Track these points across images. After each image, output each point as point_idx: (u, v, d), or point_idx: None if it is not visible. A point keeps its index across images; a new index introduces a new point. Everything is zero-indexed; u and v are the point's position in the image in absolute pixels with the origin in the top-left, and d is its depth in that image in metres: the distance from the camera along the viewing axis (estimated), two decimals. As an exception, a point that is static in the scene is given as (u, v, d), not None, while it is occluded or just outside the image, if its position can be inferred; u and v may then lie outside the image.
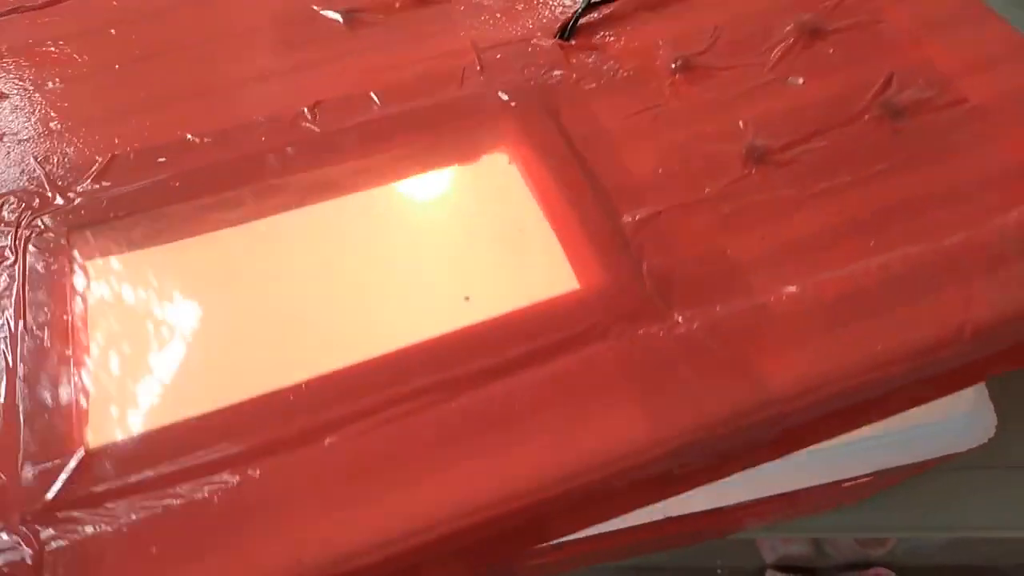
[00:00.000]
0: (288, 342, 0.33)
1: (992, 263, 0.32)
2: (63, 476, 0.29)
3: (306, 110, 0.39)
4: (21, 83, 0.42)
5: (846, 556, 0.52)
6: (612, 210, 0.35)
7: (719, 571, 0.53)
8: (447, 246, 0.35)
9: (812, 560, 0.53)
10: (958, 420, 0.40)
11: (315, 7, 0.44)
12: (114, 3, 0.46)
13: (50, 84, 0.42)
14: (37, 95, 0.42)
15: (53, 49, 0.44)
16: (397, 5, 0.44)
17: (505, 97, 0.39)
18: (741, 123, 0.37)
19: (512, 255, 0.35)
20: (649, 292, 0.32)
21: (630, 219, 0.34)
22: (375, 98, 0.40)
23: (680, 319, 0.31)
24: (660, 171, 0.36)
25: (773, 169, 0.35)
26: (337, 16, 0.43)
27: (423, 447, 0.29)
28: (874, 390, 0.30)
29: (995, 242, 0.32)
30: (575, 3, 0.43)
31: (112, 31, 0.44)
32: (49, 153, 0.39)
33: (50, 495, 0.28)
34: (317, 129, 0.39)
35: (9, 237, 0.36)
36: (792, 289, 0.32)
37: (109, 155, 0.38)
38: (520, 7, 0.44)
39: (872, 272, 0.32)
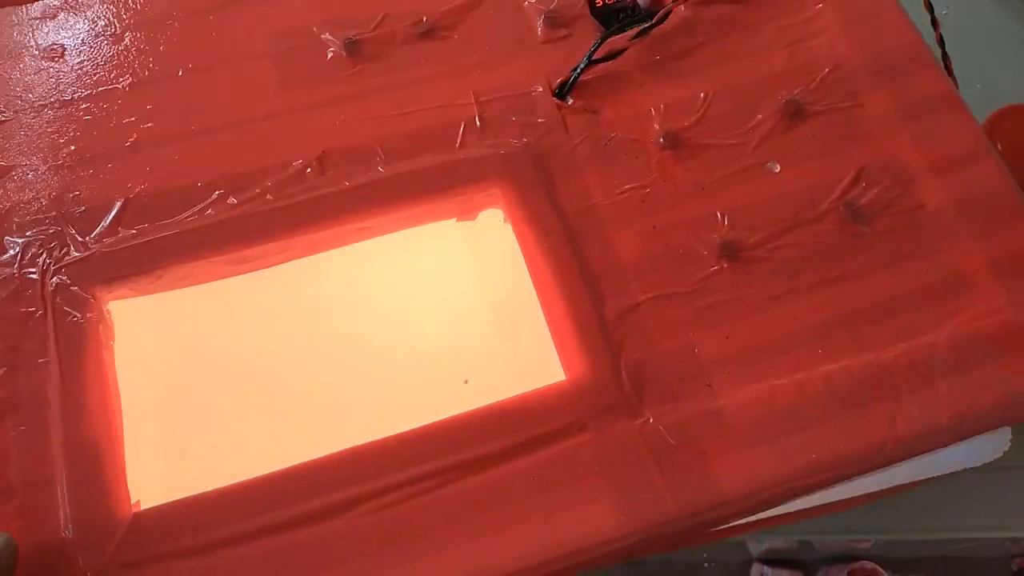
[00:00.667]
0: (300, 418, 0.37)
1: (919, 380, 0.37)
2: (107, 542, 0.34)
3: (313, 161, 0.41)
4: (22, 100, 0.43)
5: (831, 550, 0.57)
6: (598, 297, 0.39)
7: (705, 564, 0.59)
8: (449, 323, 0.39)
9: (798, 553, 0.58)
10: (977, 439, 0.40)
11: (315, 29, 0.45)
12: (104, 5, 0.45)
13: (52, 103, 0.43)
14: (41, 117, 0.42)
15: (52, 56, 0.44)
16: (399, 38, 0.45)
17: (503, 162, 0.41)
18: (719, 213, 0.41)
19: (507, 340, 0.39)
20: (626, 388, 0.37)
21: (613, 308, 0.38)
22: (379, 151, 0.42)
23: (650, 417, 0.36)
24: (643, 258, 0.40)
25: (743, 266, 0.39)
26: (339, 45, 0.44)
27: (420, 529, 0.34)
28: (804, 493, 0.36)
29: (925, 359, 0.37)
30: (571, 43, 0.45)
31: (106, 39, 0.44)
32: (63, 191, 0.40)
33: (93, 561, 0.33)
34: (323, 185, 0.41)
35: (36, 290, 0.38)
36: (747, 394, 0.37)
37: (123, 199, 0.40)
38: (517, 45, 0.45)
39: (816, 382, 0.37)
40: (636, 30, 0.44)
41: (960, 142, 0.42)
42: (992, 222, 0.40)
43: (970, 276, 0.39)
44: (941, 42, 0.48)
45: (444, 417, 0.36)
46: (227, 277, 0.40)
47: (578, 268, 0.39)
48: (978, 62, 0.48)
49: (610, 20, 0.47)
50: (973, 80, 0.45)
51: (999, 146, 0.71)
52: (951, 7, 0.46)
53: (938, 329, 0.38)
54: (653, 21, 0.43)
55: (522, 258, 0.40)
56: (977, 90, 0.45)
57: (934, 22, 0.48)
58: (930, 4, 0.48)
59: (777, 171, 0.42)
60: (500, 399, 0.36)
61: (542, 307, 0.39)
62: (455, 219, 0.43)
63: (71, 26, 0.44)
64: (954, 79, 0.46)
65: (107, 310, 0.39)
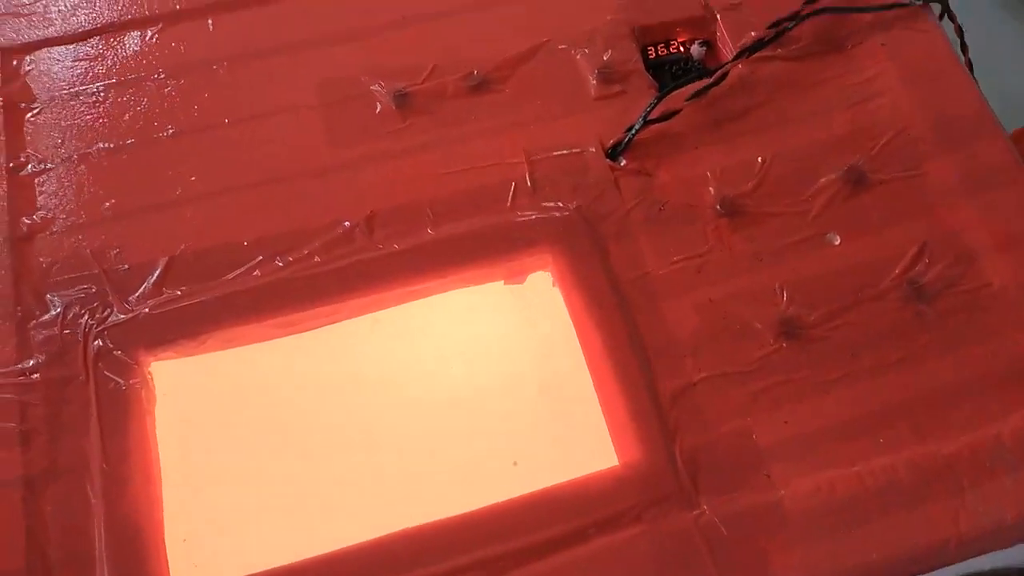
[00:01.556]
0: (343, 495, 0.36)
1: (984, 475, 0.36)
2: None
3: (362, 222, 0.40)
4: (64, 148, 0.42)
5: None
6: (652, 375, 0.38)
7: None
8: (498, 397, 0.38)
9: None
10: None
11: (364, 79, 0.43)
12: (148, 49, 0.44)
13: (93, 152, 0.41)
14: (83, 167, 0.41)
15: (92, 101, 0.43)
16: (449, 91, 0.43)
17: (554, 227, 0.40)
18: (777, 286, 0.39)
19: (557, 419, 0.38)
20: (681, 476, 0.36)
21: (668, 388, 0.37)
22: (429, 212, 0.41)
23: (706, 508, 0.35)
24: (699, 333, 0.38)
25: (802, 345, 0.38)
26: (388, 97, 0.43)
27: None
28: (863, 590, 0.35)
29: (990, 451, 0.36)
30: (624, 100, 0.43)
31: (148, 84, 0.43)
32: (104, 247, 0.40)
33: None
34: (372, 248, 0.40)
35: (78, 353, 0.37)
36: (806, 485, 0.36)
37: (167, 257, 0.39)
38: (570, 100, 0.43)
39: (877, 474, 0.36)
40: (692, 90, 0.42)
41: (1027, 217, 0.41)
42: (1061, 305, 0.39)
43: (1037, 363, 0.38)
44: (964, 48, 0.46)
45: (491, 503, 0.35)
46: (272, 339, 0.40)
47: (631, 343, 0.38)
48: (995, 77, 0.47)
49: (663, 74, 0.45)
50: (990, 96, 0.44)
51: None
52: (964, 23, 0.45)
53: (1004, 420, 0.37)
54: (710, 81, 0.42)
55: (573, 330, 0.39)
56: (995, 106, 0.44)
57: (959, 31, 0.47)
58: (951, 13, 0.46)
59: (837, 243, 0.40)
60: (551, 484, 0.35)
61: (594, 384, 0.38)
62: (503, 281, 0.42)
63: (115, 70, 0.43)
64: (956, 24, 0.45)
65: (149, 372, 0.38)
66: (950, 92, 0.43)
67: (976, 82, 0.44)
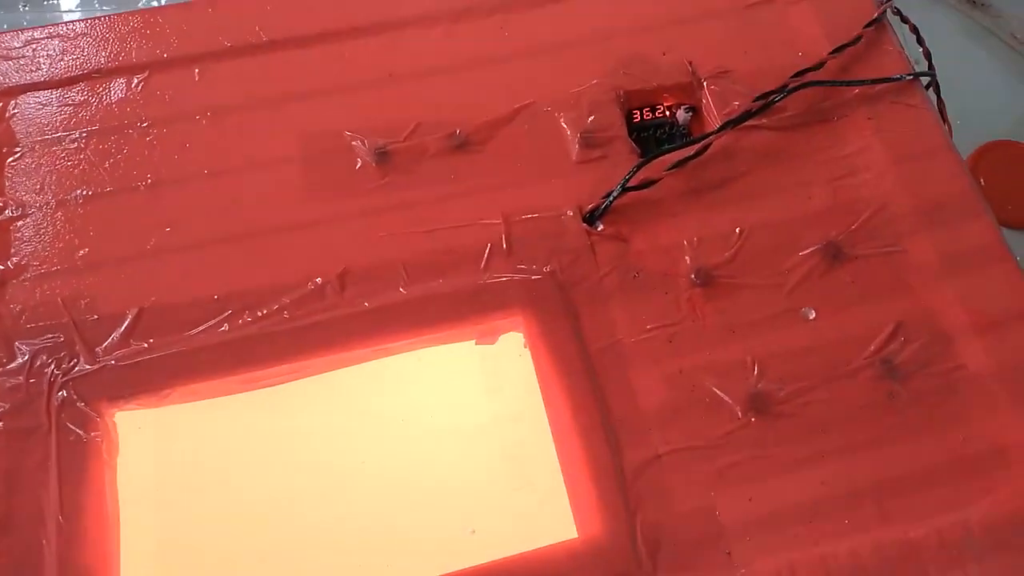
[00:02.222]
0: (296, 555, 0.36)
1: (951, 562, 0.35)
2: None
3: (334, 279, 0.40)
4: (43, 195, 0.42)
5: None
6: (618, 446, 0.37)
7: None
8: (460, 463, 0.38)
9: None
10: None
11: (347, 134, 0.43)
12: (133, 97, 0.44)
13: (71, 199, 0.42)
14: (60, 214, 0.41)
15: (73, 148, 0.43)
16: (431, 149, 0.43)
17: (527, 290, 0.40)
18: (749, 360, 0.39)
19: (519, 487, 0.37)
20: (641, 554, 0.35)
21: (633, 460, 0.37)
22: (402, 271, 0.40)
23: (664, 587, 0.35)
24: (667, 405, 0.38)
25: (771, 421, 0.38)
26: (369, 154, 0.43)
27: None
28: None
29: (958, 538, 0.36)
30: (605, 165, 0.43)
31: (131, 132, 0.43)
32: (76, 296, 0.40)
33: None
34: (342, 305, 0.39)
35: (42, 403, 0.37)
36: (768, 565, 0.35)
37: (137, 309, 0.39)
38: (551, 164, 0.43)
39: (840, 557, 0.35)
40: (673, 159, 0.42)
41: (1007, 300, 0.40)
42: (1036, 392, 0.38)
43: (1010, 450, 0.37)
44: (929, 57, 0.46)
45: (446, 572, 0.34)
46: (236, 394, 0.39)
47: (599, 413, 0.38)
48: (955, 97, 0.47)
49: (647, 140, 0.45)
50: (951, 116, 0.45)
51: (982, 182, 0.72)
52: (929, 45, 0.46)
53: (972, 506, 0.36)
54: (691, 153, 0.42)
55: (540, 396, 0.38)
56: (956, 126, 0.44)
57: (927, 54, 0.47)
58: (918, 32, 0.47)
59: (812, 318, 0.40)
60: (508, 554, 0.35)
61: (558, 453, 0.37)
62: (474, 340, 0.42)
63: (99, 117, 0.43)
64: (944, 113, 0.45)
65: (112, 423, 0.38)
66: (936, 170, 0.43)
67: (963, 162, 0.44)
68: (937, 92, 0.45)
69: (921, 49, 0.46)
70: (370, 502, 0.37)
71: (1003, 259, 0.41)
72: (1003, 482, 0.37)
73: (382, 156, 0.43)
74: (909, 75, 0.45)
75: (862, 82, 0.44)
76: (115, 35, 0.45)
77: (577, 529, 0.36)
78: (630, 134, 0.45)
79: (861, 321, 0.40)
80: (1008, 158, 0.75)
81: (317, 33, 0.46)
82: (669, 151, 0.43)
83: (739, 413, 0.38)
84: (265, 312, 0.39)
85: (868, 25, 0.45)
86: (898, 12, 0.48)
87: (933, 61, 0.46)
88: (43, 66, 0.44)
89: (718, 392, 0.38)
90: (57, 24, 0.45)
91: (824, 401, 0.38)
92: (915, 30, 0.48)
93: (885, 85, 0.45)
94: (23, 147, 0.43)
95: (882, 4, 0.47)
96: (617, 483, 0.36)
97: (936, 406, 0.38)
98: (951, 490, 0.37)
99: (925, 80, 0.46)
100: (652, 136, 0.46)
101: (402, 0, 0.46)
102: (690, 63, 0.45)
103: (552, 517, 0.36)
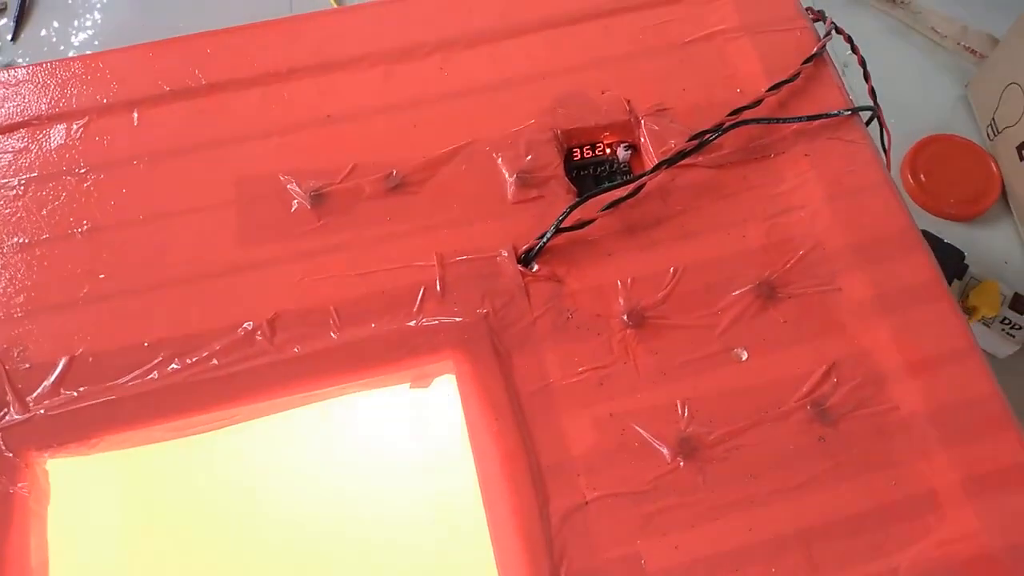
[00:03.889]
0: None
1: (876, 612, 0.35)
2: None
3: (264, 324, 0.40)
4: (-18, 241, 0.42)
5: None
6: (544, 493, 0.37)
7: None
8: (388, 515, 0.38)
9: None
10: None
11: (282, 178, 0.44)
12: (72, 143, 0.45)
13: (8, 247, 0.42)
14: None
15: (12, 195, 0.43)
16: (367, 191, 0.43)
17: (460, 333, 0.40)
18: (679, 403, 0.39)
19: (447, 537, 0.37)
20: (562, 604, 0.35)
21: (560, 507, 0.37)
22: (334, 314, 0.40)
23: (585, 638, 0.34)
24: (595, 450, 0.38)
25: (699, 466, 0.38)
26: (304, 197, 0.43)
27: None
28: None
29: (884, 587, 0.35)
30: (542, 205, 0.43)
31: (69, 178, 0.44)
32: (10, 344, 0.40)
33: None
34: (271, 352, 0.39)
35: (-31, 454, 0.37)
36: (692, 616, 0.35)
37: (68, 357, 0.39)
38: (487, 204, 0.43)
39: (766, 607, 0.35)
40: (609, 199, 0.42)
41: (942, 339, 0.40)
42: (969, 434, 0.38)
43: (941, 494, 0.37)
44: (873, 94, 0.47)
45: (370, 623, 0.34)
46: (165, 441, 0.40)
47: (526, 459, 0.37)
48: (885, 96, 0.47)
49: (586, 179, 0.45)
50: (888, 112, 0.45)
51: (922, 178, 0.73)
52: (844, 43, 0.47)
53: (902, 552, 0.36)
54: (626, 193, 0.42)
55: (469, 442, 0.38)
56: (891, 125, 0.44)
57: (866, 76, 0.47)
58: (864, 66, 0.47)
59: (744, 359, 0.40)
60: (430, 606, 0.35)
61: (484, 501, 0.37)
62: (408, 384, 0.42)
63: (38, 164, 0.44)
64: (886, 132, 0.45)
65: (44, 470, 0.38)
66: (873, 205, 0.43)
67: (901, 196, 0.43)
68: (881, 126, 0.45)
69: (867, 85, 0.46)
70: (294, 551, 0.37)
71: (939, 297, 0.41)
72: (934, 526, 0.36)
73: (317, 198, 0.43)
74: (847, 110, 0.44)
75: (798, 119, 0.44)
76: (56, 81, 0.46)
77: (500, 580, 0.36)
78: (569, 172, 0.45)
79: (794, 362, 0.40)
80: (944, 152, 0.75)
81: (256, 75, 0.46)
82: (603, 191, 0.43)
83: (668, 457, 0.38)
84: (195, 359, 0.39)
85: (807, 61, 0.45)
86: (849, 39, 0.48)
87: (846, 59, 0.46)
88: (-16, 113, 0.45)
89: (647, 436, 0.38)
90: (-1, 70, 0.46)
91: (754, 445, 0.38)
92: (862, 63, 0.48)
93: (824, 121, 0.45)
94: (-38, 194, 0.43)
95: (823, 38, 0.46)
96: (543, 531, 0.36)
97: (867, 449, 0.38)
98: (880, 536, 0.36)
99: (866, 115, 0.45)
100: (591, 175, 0.46)
101: (341, 41, 0.47)
102: (628, 101, 0.45)
103: (478, 568, 0.36)
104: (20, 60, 0.92)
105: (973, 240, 0.76)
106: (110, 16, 0.96)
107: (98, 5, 0.97)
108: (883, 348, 0.40)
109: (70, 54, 0.93)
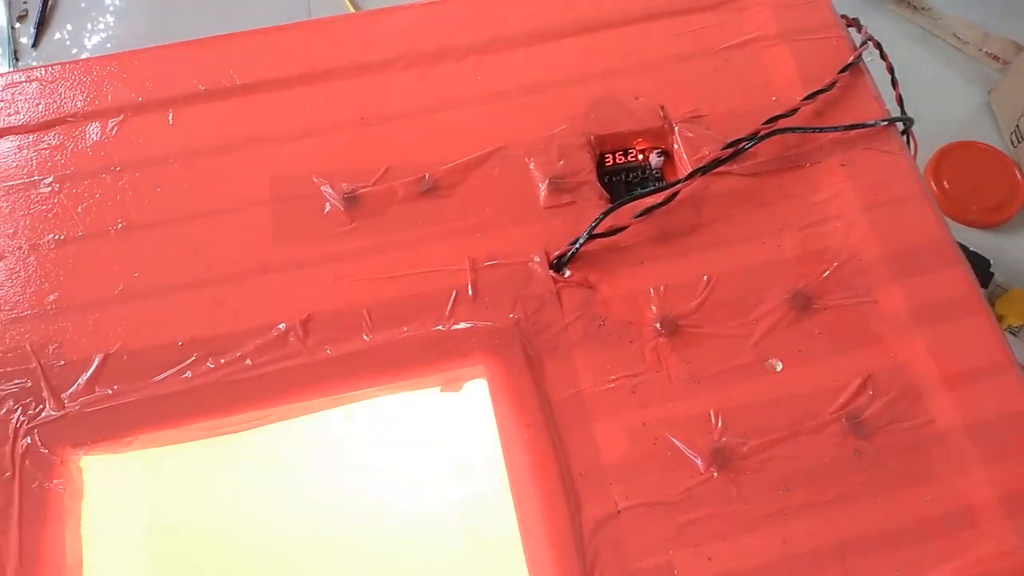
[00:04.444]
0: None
1: (911, 628, 0.34)
2: None
3: (297, 325, 0.40)
4: (17, 238, 0.42)
5: None
6: (576, 502, 0.37)
7: None
8: (419, 521, 0.38)
9: None
10: None
11: (316, 179, 0.44)
12: (107, 141, 0.45)
13: (43, 244, 0.42)
14: (32, 258, 0.42)
15: (48, 192, 0.43)
16: (399, 194, 0.43)
17: (491, 338, 0.40)
18: (713, 412, 0.38)
19: (476, 543, 0.37)
20: (594, 613, 0.35)
21: (591, 516, 0.36)
22: (367, 317, 0.40)
23: (617, 648, 0.34)
24: (628, 459, 0.38)
25: (733, 476, 0.37)
26: (338, 199, 0.43)
27: None
28: None
29: (920, 603, 0.35)
30: (574, 211, 0.43)
31: (104, 176, 0.44)
32: (44, 341, 0.40)
33: None
34: (304, 353, 0.40)
35: (7, 450, 0.37)
36: (724, 628, 0.35)
37: (103, 354, 0.40)
38: (519, 209, 0.43)
39: (800, 621, 0.35)
40: (642, 206, 0.42)
41: (979, 353, 0.39)
42: (1007, 449, 0.37)
43: (978, 510, 0.37)
44: (900, 102, 0.46)
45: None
46: (199, 440, 0.40)
47: (558, 467, 0.37)
48: (907, 102, 0.47)
49: (617, 185, 0.45)
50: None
51: (945, 185, 0.73)
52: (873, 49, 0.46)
53: (938, 568, 0.36)
54: (659, 201, 0.42)
55: (500, 447, 0.38)
56: (914, 131, 0.45)
57: (894, 83, 0.47)
58: (893, 73, 0.47)
59: (778, 370, 0.39)
60: (461, 612, 0.35)
61: (515, 507, 0.37)
62: (439, 388, 0.42)
63: (73, 161, 0.44)
64: (913, 142, 0.45)
65: (79, 467, 0.38)
66: (909, 217, 0.43)
67: (938, 210, 0.43)
68: (909, 138, 0.45)
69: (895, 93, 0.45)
70: (323, 553, 0.37)
71: (976, 310, 0.40)
72: (971, 543, 0.36)
73: (351, 200, 0.43)
74: (884, 121, 0.44)
75: (835, 128, 0.44)
76: (92, 79, 0.46)
77: (532, 588, 0.36)
78: (601, 178, 0.45)
79: (828, 374, 0.39)
80: (967, 159, 0.75)
81: (290, 76, 0.46)
82: (637, 198, 0.42)
83: (701, 468, 0.37)
84: (228, 359, 0.39)
85: (843, 70, 0.45)
86: (880, 47, 0.48)
87: (869, 65, 0.46)
88: (21, 110, 0.45)
89: (680, 446, 0.38)
90: (35, 68, 0.46)
91: (788, 457, 0.38)
92: (891, 71, 0.47)
93: (860, 131, 0.44)
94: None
95: (859, 47, 0.46)
96: (575, 540, 0.36)
97: (903, 463, 0.37)
98: (917, 551, 0.36)
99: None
100: (624, 180, 0.45)
101: (375, 44, 0.47)
102: (662, 107, 0.45)
103: (507, 573, 0.36)
104: (33, 63, 0.93)
105: (998, 247, 0.75)
106: (123, 20, 0.96)
107: (111, 8, 0.97)
108: (919, 361, 0.39)
109: (83, 55, 0.93)
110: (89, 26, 0.95)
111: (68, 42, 0.94)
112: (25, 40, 0.92)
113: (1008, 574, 0.35)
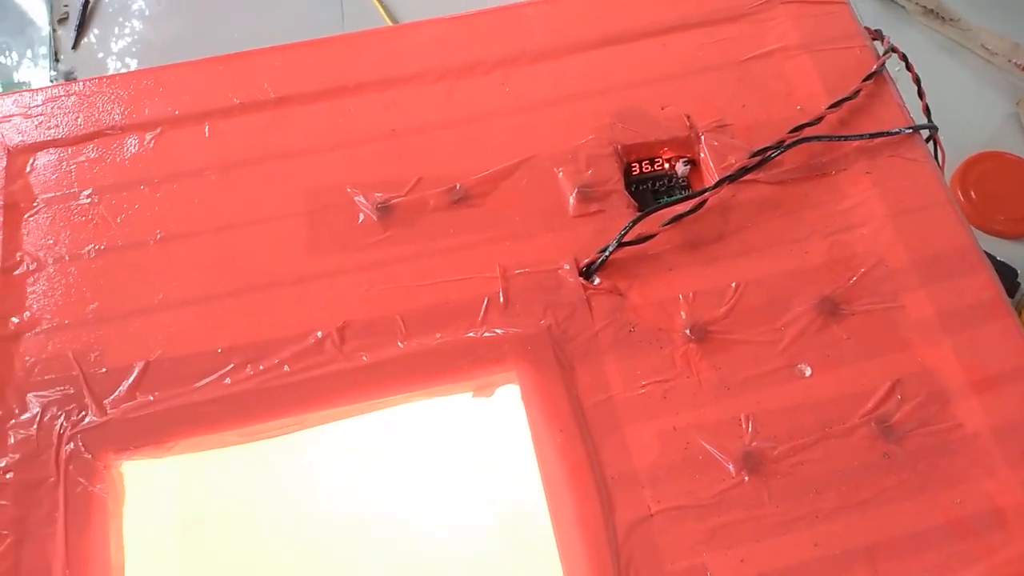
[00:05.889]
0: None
1: (943, 629, 0.35)
2: None
3: (334, 332, 0.41)
4: (57, 248, 0.43)
5: None
6: (610, 505, 0.37)
7: None
8: (454, 524, 0.38)
9: None
10: None
11: (349, 190, 0.45)
12: (145, 153, 0.46)
13: (84, 254, 0.43)
14: (72, 268, 0.43)
15: (87, 203, 0.44)
16: (431, 204, 0.44)
17: (523, 344, 0.41)
18: (743, 417, 0.39)
19: (511, 548, 0.38)
20: (629, 615, 0.35)
21: (625, 519, 0.37)
22: (401, 324, 0.41)
23: (653, 649, 0.35)
24: (660, 463, 0.38)
25: (764, 480, 0.38)
26: (371, 209, 0.44)
27: None
28: None
29: (951, 605, 0.35)
30: (602, 219, 0.44)
31: (143, 187, 0.45)
32: (86, 349, 0.41)
33: None
34: (341, 359, 0.40)
35: (51, 455, 0.38)
36: (758, 630, 0.35)
37: (144, 362, 0.40)
38: (548, 218, 0.44)
39: (833, 623, 0.35)
40: (669, 214, 0.43)
41: (1006, 358, 0.40)
42: (1034, 452, 0.38)
43: (1006, 512, 0.37)
44: (927, 111, 0.47)
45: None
46: (237, 445, 0.40)
47: (591, 471, 0.38)
48: (934, 113, 0.47)
49: (645, 193, 0.46)
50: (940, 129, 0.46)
51: (973, 195, 0.73)
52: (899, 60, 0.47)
53: (967, 569, 0.36)
54: (687, 209, 0.42)
55: (533, 451, 0.39)
56: (942, 141, 0.45)
57: (920, 93, 0.47)
58: (919, 83, 0.47)
59: (807, 375, 0.40)
60: (499, 614, 0.35)
61: (550, 511, 0.38)
62: (471, 393, 0.42)
63: (112, 173, 0.45)
64: (940, 150, 0.46)
65: (120, 472, 0.39)
66: (935, 224, 0.43)
67: (963, 217, 0.43)
68: (936, 146, 0.45)
69: (921, 103, 0.46)
70: (358, 556, 0.38)
71: (1002, 315, 0.41)
72: (1000, 545, 0.36)
73: (384, 210, 0.44)
74: (908, 128, 0.45)
75: (860, 136, 0.44)
76: (129, 93, 0.47)
77: (567, 588, 0.36)
78: (628, 187, 0.45)
79: (857, 379, 0.40)
80: (994, 169, 0.76)
81: (322, 90, 0.47)
82: (665, 206, 0.43)
83: (732, 472, 0.38)
84: (267, 366, 0.40)
85: (867, 79, 0.46)
86: (904, 58, 0.49)
87: (895, 76, 0.47)
88: (61, 124, 0.46)
89: (711, 450, 0.38)
90: (74, 82, 0.47)
91: (818, 460, 0.38)
92: (917, 80, 0.48)
93: (885, 139, 0.45)
94: (40, 202, 0.44)
95: (882, 56, 0.47)
96: (608, 544, 0.37)
97: (932, 467, 0.38)
98: (946, 553, 0.36)
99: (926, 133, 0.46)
100: (651, 189, 0.46)
101: (405, 57, 0.48)
102: (688, 117, 0.46)
103: None
104: (62, 66, 0.94)
105: (1024, 257, 0.76)
106: (150, 26, 0.97)
107: (137, 13, 0.98)
108: (947, 366, 0.40)
109: (109, 61, 0.95)
110: (116, 31, 0.96)
111: (95, 45, 0.95)
112: (64, 43, 0.94)
113: (1038, 576, 0.36)
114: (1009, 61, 0.79)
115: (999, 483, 0.38)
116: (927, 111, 0.46)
